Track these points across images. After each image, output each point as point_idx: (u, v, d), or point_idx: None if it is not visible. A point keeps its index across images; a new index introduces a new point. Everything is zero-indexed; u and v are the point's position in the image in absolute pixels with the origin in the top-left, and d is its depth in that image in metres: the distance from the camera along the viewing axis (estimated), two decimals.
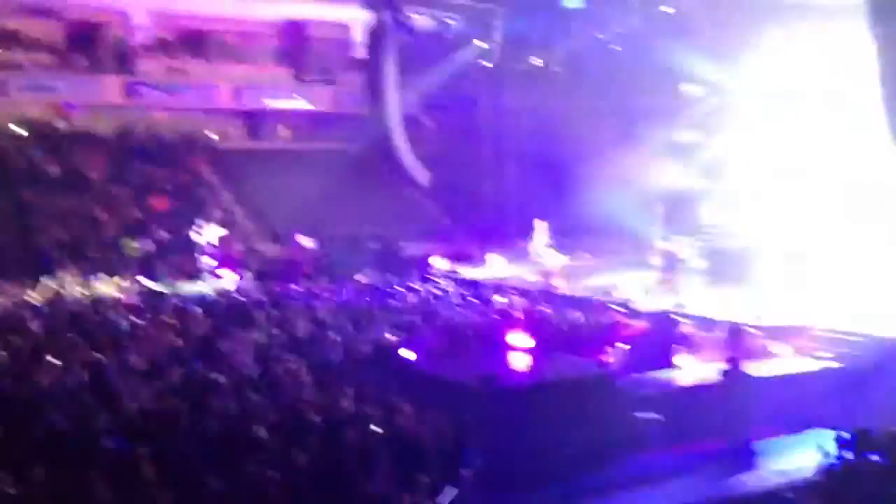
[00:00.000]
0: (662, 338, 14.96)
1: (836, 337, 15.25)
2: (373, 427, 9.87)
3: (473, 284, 20.32)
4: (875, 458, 9.42)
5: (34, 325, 14.45)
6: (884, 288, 17.18)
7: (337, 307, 16.99)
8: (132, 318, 15.09)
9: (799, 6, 21.71)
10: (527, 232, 22.80)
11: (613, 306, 17.29)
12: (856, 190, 21.06)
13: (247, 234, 24.51)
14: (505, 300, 18.18)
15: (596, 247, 23.60)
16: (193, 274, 21.44)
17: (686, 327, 15.62)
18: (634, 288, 18.87)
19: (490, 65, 28.11)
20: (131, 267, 21.21)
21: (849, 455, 9.56)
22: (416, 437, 9.93)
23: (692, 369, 13.95)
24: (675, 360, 14.23)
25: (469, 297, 18.48)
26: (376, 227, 23.55)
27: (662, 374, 13.85)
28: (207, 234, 21.72)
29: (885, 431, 9.77)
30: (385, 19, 27.18)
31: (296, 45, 29.84)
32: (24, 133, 25.87)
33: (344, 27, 30.05)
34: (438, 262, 22.64)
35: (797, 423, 12.73)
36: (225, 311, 16.38)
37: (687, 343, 14.82)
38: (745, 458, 11.89)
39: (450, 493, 9.32)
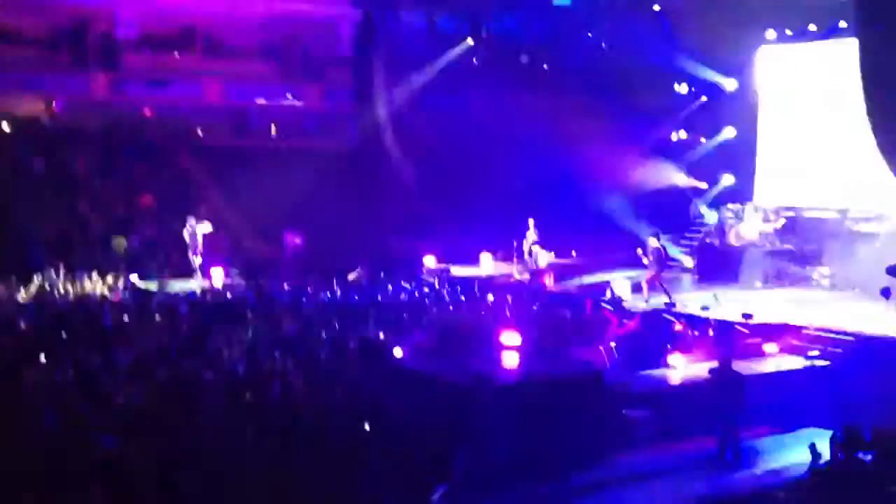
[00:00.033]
0: (653, 337, 14.98)
1: (825, 336, 15.31)
2: (363, 424, 9.85)
3: (464, 283, 20.29)
4: (864, 456, 9.44)
5: (22, 324, 14.35)
6: None
7: (326, 305, 16.94)
8: (120, 315, 15.01)
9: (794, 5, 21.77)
10: (517, 230, 22.78)
11: (604, 305, 17.31)
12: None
13: (235, 232, 24.41)
14: (495, 298, 18.17)
15: (586, 245, 23.59)
16: (182, 271, 21.34)
17: (677, 326, 15.65)
18: (625, 287, 18.88)
19: (480, 62, 28.08)
20: (119, 264, 21.09)
21: (838, 453, 9.58)
22: (406, 435, 9.90)
23: (683, 368, 13.95)
24: (666, 358, 14.22)
25: (460, 296, 18.46)
26: (366, 225, 23.47)
27: (653, 373, 13.86)
28: (195, 231, 21.62)
29: (874, 430, 9.80)
30: (374, 16, 27.12)
31: (284, 42, 29.72)
32: (10, 130, 25.67)
33: (333, 24, 29.96)
34: (429, 261, 22.61)
35: (788, 421, 12.76)
36: (213, 308, 16.31)
37: (678, 342, 14.82)
38: (735, 456, 11.90)
39: (440, 490, 9.29)
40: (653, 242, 19.16)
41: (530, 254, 22.42)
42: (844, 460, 9.50)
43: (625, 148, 24.72)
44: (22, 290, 18.00)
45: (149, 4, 27.76)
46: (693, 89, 26.20)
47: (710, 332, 15.63)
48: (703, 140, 26.30)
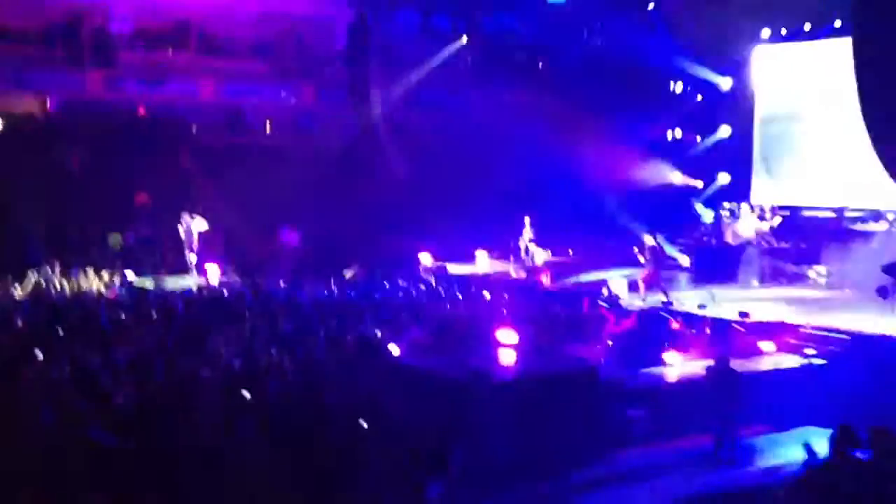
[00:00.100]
0: (650, 335, 14.99)
1: (822, 334, 15.34)
2: (360, 422, 9.83)
3: (461, 281, 20.29)
4: (861, 455, 9.45)
5: (18, 320, 14.32)
6: None
7: (322, 303, 16.92)
8: (116, 312, 14.98)
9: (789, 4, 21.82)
10: (513, 228, 22.78)
11: (601, 303, 17.32)
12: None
13: (231, 229, 24.37)
14: (491, 296, 18.17)
15: (583, 244, 23.61)
16: (177, 269, 21.31)
17: (674, 324, 15.66)
18: (622, 285, 18.89)
19: (474, 61, 28.08)
20: (115, 262, 21.05)
21: (835, 452, 9.58)
22: (403, 431, 9.89)
23: (680, 366, 13.96)
24: (664, 356, 14.23)
25: (457, 293, 18.45)
26: (362, 223, 23.45)
27: (650, 371, 13.87)
28: (191, 228, 21.59)
29: (870, 429, 9.81)
30: (369, 14, 27.11)
31: (279, 40, 29.68)
32: (3, 127, 25.59)
33: (328, 22, 29.92)
34: (425, 259, 22.60)
35: (784, 420, 12.78)
36: (209, 305, 16.29)
37: (674, 340, 14.84)
38: (732, 454, 11.92)
39: (437, 488, 9.28)
40: (649, 241, 19.17)
41: (527, 252, 22.43)
42: (841, 458, 9.51)
43: (621, 146, 24.74)
44: (18, 287, 17.96)
45: (144, 1, 27.69)
46: (689, 88, 26.23)
47: (707, 331, 15.66)
48: (698, 139, 26.34)
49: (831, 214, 21.83)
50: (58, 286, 18.42)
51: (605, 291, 18.47)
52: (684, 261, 23.14)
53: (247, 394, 10.59)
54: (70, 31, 26.80)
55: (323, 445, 9.36)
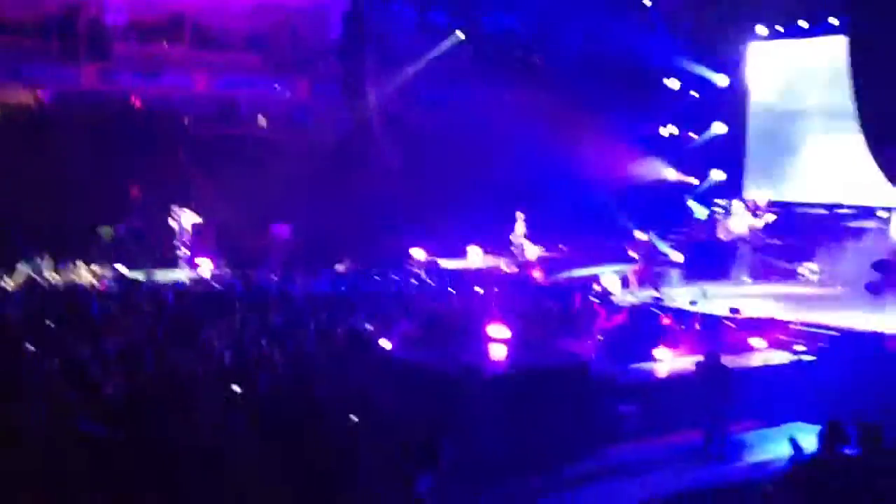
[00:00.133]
0: (641, 330, 15.01)
1: (812, 331, 15.37)
2: (350, 414, 9.83)
3: (452, 275, 20.28)
4: (849, 450, 9.47)
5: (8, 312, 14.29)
6: None
7: (314, 296, 16.90)
8: (107, 304, 14.95)
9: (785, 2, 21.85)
10: (506, 224, 22.77)
11: (592, 298, 17.33)
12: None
13: (223, 222, 24.32)
14: (483, 291, 18.17)
15: (575, 239, 23.62)
16: (169, 261, 21.27)
17: (664, 320, 15.68)
18: (613, 280, 18.90)
19: (469, 56, 28.05)
20: (106, 254, 21.00)
21: (823, 447, 9.60)
22: (394, 425, 9.89)
23: (670, 362, 13.98)
24: (654, 352, 14.25)
25: (448, 288, 18.45)
26: (354, 217, 23.42)
27: (640, 366, 13.88)
28: (183, 221, 21.54)
29: (859, 424, 9.83)
30: (364, 7, 27.05)
31: (273, 32, 29.62)
32: None
33: (322, 15, 29.85)
34: (417, 253, 22.59)
35: (774, 415, 12.81)
36: (201, 298, 16.26)
37: (665, 336, 14.86)
38: (721, 449, 11.94)
39: (427, 482, 9.28)
40: (641, 237, 19.19)
41: (519, 247, 22.43)
42: (829, 454, 9.53)
43: (614, 142, 24.73)
44: (8, 279, 17.92)
45: None
46: (684, 85, 26.23)
47: (697, 327, 15.69)
48: (692, 135, 26.35)
49: (824, 211, 21.87)
50: (49, 278, 18.36)
51: (596, 287, 18.49)
52: (677, 257, 23.18)
53: (237, 388, 10.59)
54: (65, 24, 26.73)
55: (313, 438, 9.36)
